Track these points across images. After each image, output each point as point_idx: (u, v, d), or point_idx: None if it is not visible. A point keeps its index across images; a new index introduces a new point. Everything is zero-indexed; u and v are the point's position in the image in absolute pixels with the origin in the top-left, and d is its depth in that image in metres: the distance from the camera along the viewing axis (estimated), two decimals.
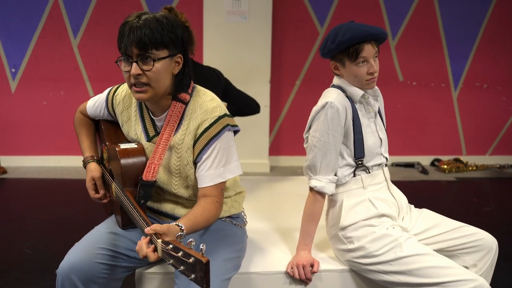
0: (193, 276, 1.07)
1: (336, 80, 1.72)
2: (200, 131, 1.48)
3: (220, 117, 1.49)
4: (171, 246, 1.14)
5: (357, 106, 1.68)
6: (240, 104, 2.62)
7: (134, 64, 1.39)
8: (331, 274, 1.66)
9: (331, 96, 1.65)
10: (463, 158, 4.73)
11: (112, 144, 1.61)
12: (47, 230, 3.02)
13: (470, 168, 4.60)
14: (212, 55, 4.19)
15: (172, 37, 1.41)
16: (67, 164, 4.46)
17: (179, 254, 1.10)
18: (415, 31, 4.56)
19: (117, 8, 4.24)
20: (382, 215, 1.64)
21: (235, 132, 1.58)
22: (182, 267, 1.09)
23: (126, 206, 1.47)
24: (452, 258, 1.61)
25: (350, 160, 1.66)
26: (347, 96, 1.66)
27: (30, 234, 2.95)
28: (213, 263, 1.36)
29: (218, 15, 4.14)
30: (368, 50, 1.58)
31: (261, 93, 4.28)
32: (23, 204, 3.57)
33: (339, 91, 1.67)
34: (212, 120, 1.48)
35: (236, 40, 4.19)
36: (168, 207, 1.61)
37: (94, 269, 1.45)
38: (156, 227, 1.23)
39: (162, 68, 1.41)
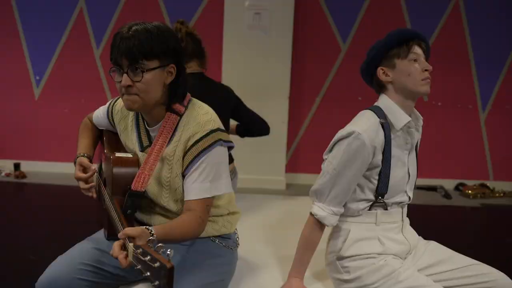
0: (157, 282, 1.03)
1: (381, 101, 1.55)
2: (190, 143, 1.45)
3: (212, 131, 1.45)
4: (140, 250, 1.11)
5: (394, 135, 1.51)
6: (248, 124, 2.54)
7: (125, 75, 1.38)
8: None
9: (362, 124, 1.48)
10: (490, 184, 4.50)
11: (109, 152, 1.59)
12: (57, 237, 3.00)
13: (497, 195, 4.38)
14: (231, 68, 4.17)
15: (163, 47, 1.40)
16: None
17: (147, 258, 1.08)
18: (442, 50, 4.38)
19: (139, 20, 4.29)
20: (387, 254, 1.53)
21: (230, 148, 1.53)
22: (148, 273, 1.07)
23: (111, 213, 1.44)
24: None
25: (370, 195, 1.52)
26: (383, 125, 1.49)
27: (39, 240, 2.95)
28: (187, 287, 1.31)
29: (238, 29, 4.13)
30: (418, 51, 1.51)
31: (279, 108, 4.23)
32: (38, 209, 3.60)
33: (375, 119, 1.50)
34: (204, 133, 1.44)
35: (256, 55, 4.16)
36: (157, 221, 1.56)
37: (75, 286, 1.41)
38: (128, 230, 1.20)
39: (153, 79, 1.39)
